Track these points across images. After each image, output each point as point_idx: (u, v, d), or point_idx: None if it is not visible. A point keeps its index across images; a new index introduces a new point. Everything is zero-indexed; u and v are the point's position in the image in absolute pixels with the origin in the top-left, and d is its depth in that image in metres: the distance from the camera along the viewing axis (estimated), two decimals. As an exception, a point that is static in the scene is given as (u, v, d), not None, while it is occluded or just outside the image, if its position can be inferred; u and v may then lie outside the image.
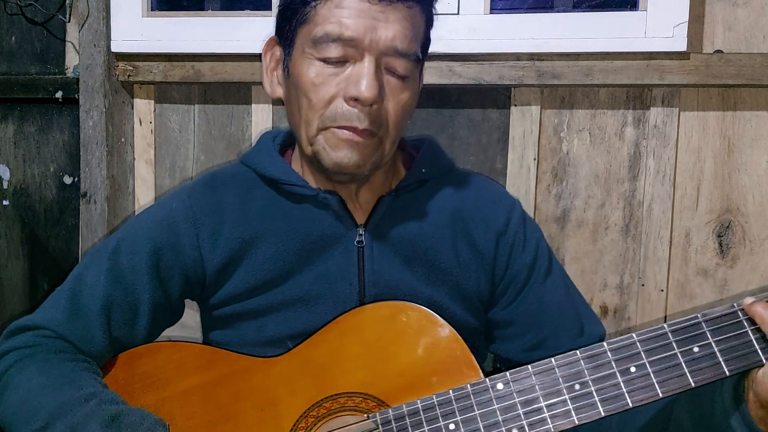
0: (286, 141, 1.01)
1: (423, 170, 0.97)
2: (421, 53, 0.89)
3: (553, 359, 0.76)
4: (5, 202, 1.55)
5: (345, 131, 0.85)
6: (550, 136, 1.32)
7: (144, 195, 1.50)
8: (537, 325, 0.97)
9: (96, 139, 1.41)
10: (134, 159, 1.49)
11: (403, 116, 0.89)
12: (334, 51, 0.83)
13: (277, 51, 0.93)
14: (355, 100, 0.83)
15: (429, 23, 0.91)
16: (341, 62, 0.84)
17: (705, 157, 1.27)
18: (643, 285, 1.30)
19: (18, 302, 1.56)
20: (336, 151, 0.86)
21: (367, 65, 0.83)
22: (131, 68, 1.43)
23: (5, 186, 1.55)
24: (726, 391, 0.76)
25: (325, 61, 0.84)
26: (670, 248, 1.29)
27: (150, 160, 1.48)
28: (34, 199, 1.54)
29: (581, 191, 1.32)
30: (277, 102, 1.41)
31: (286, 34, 0.90)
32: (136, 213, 1.50)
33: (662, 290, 1.29)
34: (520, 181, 1.33)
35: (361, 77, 0.83)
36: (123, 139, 1.46)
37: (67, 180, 1.52)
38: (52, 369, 0.84)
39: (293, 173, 0.94)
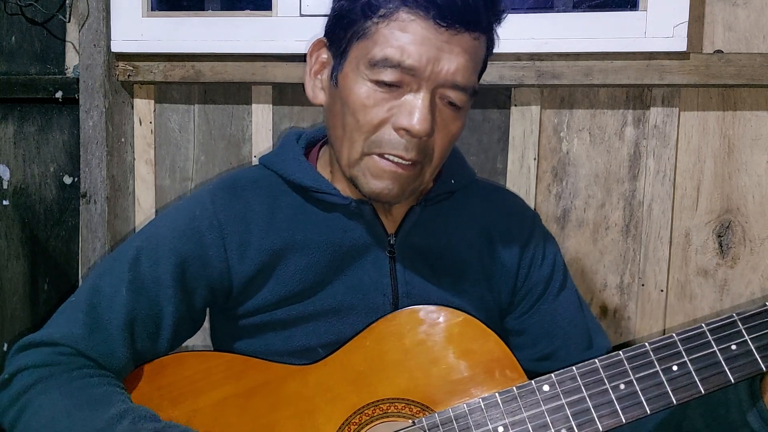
0: (310, 142, 0.98)
1: (452, 181, 0.96)
2: (477, 83, 0.85)
3: (597, 360, 0.77)
4: (5, 202, 1.55)
5: (389, 163, 0.82)
6: (550, 135, 1.32)
7: (144, 195, 1.49)
8: (548, 337, 0.98)
9: (96, 139, 1.41)
10: (134, 159, 1.49)
11: (450, 147, 0.86)
12: (390, 75, 0.79)
13: (324, 54, 0.88)
14: (406, 131, 0.80)
15: (490, 51, 0.88)
16: (395, 86, 0.80)
17: (705, 157, 1.27)
18: (643, 285, 1.30)
19: (18, 303, 1.56)
20: (377, 181, 0.83)
21: (422, 96, 0.79)
22: (131, 68, 1.43)
23: (5, 186, 1.55)
24: (741, 389, 0.77)
25: (379, 83, 0.80)
26: (670, 248, 1.29)
27: (150, 160, 1.48)
28: (34, 200, 1.54)
29: (581, 191, 1.32)
30: (278, 102, 1.41)
31: (338, 42, 0.85)
32: (136, 214, 1.50)
33: (662, 290, 1.29)
34: (521, 180, 1.33)
35: (415, 108, 0.79)
36: (123, 139, 1.46)
37: (67, 180, 1.52)
38: (77, 389, 0.78)
39: (323, 180, 0.91)
